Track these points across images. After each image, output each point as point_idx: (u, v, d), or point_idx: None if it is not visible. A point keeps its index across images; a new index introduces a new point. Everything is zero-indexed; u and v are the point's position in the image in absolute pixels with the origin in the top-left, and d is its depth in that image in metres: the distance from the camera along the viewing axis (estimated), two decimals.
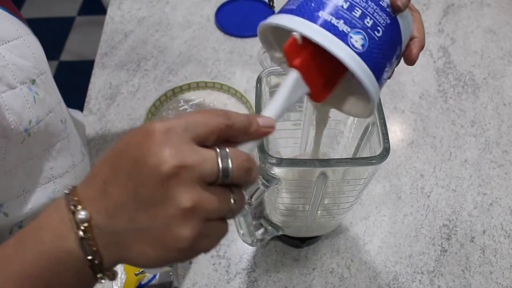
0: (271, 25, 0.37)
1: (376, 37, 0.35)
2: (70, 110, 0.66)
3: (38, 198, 0.49)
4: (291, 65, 0.36)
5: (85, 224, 0.28)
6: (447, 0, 0.99)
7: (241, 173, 0.29)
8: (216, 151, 0.28)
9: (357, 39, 0.34)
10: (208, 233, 0.29)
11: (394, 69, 0.40)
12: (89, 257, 0.28)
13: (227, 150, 0.29)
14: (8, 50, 0.42)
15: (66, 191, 0.30)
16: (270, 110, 0.35)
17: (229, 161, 0.28)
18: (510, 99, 0.82)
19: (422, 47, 0.39)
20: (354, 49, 0.34)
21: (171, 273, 0.57)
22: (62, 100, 0.54)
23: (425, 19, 0.94)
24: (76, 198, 0.29)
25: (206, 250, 0.30)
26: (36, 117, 0.45)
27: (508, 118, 0.79)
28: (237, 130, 0.30)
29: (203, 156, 0.27)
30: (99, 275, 0.29)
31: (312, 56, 0.36)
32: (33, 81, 0.45)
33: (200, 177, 0.27)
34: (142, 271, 0.53)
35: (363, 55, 0.34)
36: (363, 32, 0.34)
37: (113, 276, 0.30)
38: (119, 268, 0.58)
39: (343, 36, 0.34)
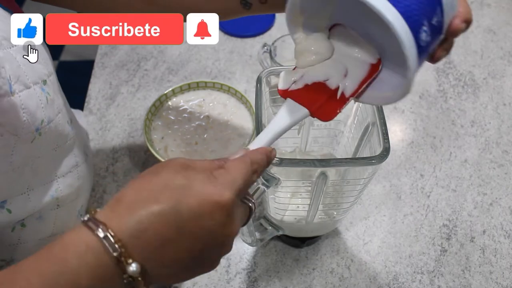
0: None
1: None
2: (73, 110, 0.66)
3: (41, 196, 0.49)
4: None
5: (138, 277, 0.29)
6: None
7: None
8: (250, 208, 0.37)
9: None
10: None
11: (437, 44, 0.39)
12: None
13: (254, 203, 0.37)
14: (19, 52, 0.43)
15: (101, 234, 0.29)
16: (267, 139, 0.39)
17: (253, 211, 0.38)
18: (510, 99, 0.82)
19: (466, 19, 0.40)
20: None
21: None
22: (66, 101, 0.54)
23: None
24: (123, 250, 0.29)
25: None
26: (48, 117, 0.45)
27: (508, 118, 0.79)
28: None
29: (246, 215, 0.36)
30: None
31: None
32: (45, 82, 0.45)
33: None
34: None
35: (393, 1, 0.33)
36: None
37: None
38: None
39: None
